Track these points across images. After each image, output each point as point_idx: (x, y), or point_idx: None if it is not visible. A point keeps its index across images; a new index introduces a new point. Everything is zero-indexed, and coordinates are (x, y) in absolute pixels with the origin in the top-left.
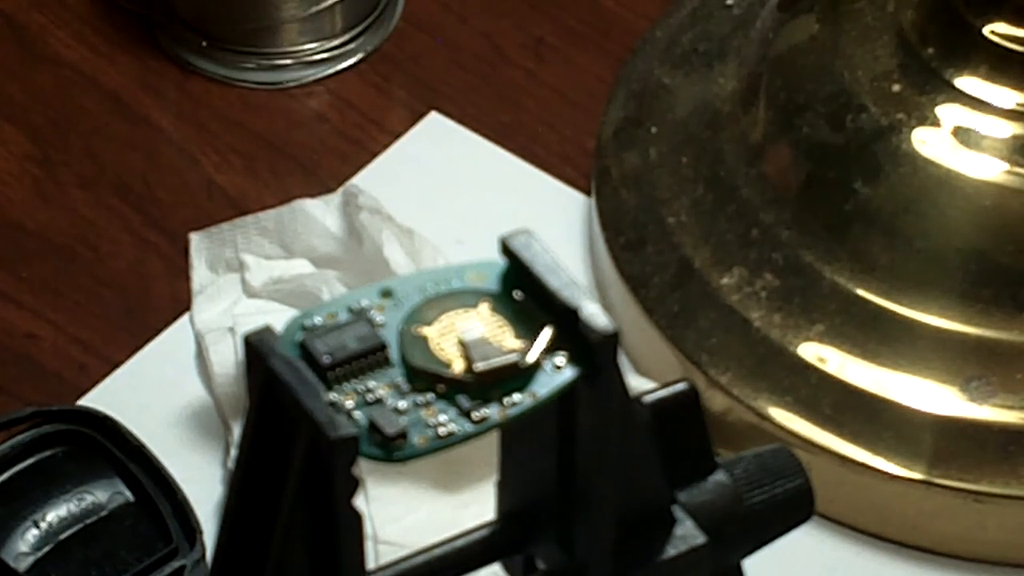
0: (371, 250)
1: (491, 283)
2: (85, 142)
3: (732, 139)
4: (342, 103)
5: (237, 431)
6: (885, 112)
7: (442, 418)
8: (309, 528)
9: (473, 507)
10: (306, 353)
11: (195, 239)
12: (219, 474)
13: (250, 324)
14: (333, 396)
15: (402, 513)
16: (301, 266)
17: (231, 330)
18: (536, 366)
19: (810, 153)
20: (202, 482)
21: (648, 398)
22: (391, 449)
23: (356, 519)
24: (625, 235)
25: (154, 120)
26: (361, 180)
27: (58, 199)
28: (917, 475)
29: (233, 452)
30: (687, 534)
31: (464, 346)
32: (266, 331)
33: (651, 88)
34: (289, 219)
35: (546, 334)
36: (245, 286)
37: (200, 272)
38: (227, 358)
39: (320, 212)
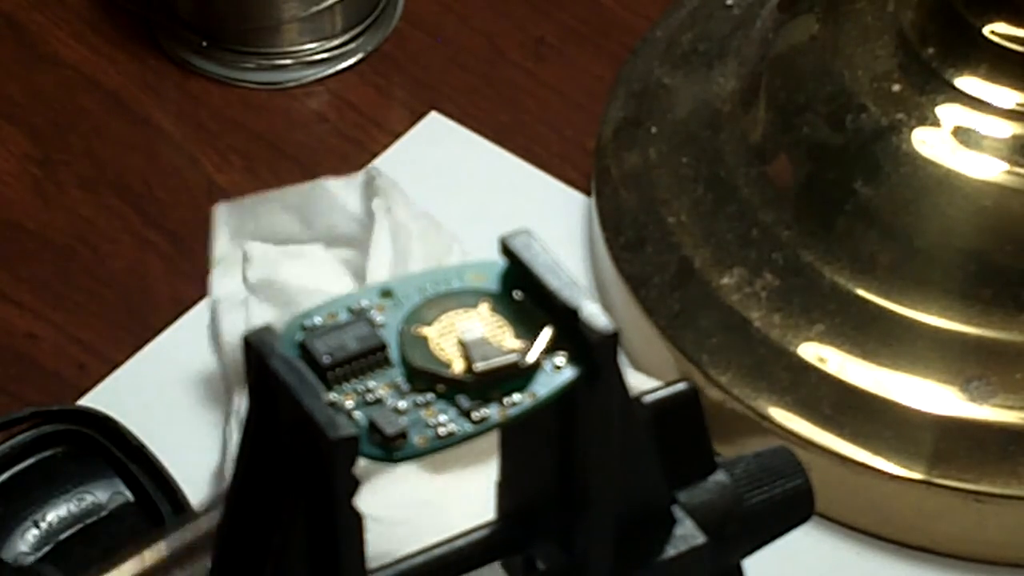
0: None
1: (491, 283)
2: (85, 142)
3: (732, 139)
4: (342, 103)
5: (238, 400)
6: (885, 112)
7: (442, 418)
8: (309, 528)
9: (455, 483)
10: (306, 353)
11: (222, 209)
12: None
13: (263, 296)
14: (333, 396)
15: (383, 486)
16: (310, 253)
17: (244, 302)
18: (536, 366)
19: (810, 153)
20: (202, 482)
21: (648, 398)
22: (391, 449)
23: (356, 519)
24: (625, 235)
25: (154, 120)
26: None
27: (58, 199)
28: (917, 475)
29: (233, 420)
30: (687, 534)
31: (464, 346)
32: (266, 331)
33: (651, 88)
34: (313, 196)
35: (546, 334)
36: (244, 280)
37: (222, 242)
38: (237, 327)
39: (342, 191)
